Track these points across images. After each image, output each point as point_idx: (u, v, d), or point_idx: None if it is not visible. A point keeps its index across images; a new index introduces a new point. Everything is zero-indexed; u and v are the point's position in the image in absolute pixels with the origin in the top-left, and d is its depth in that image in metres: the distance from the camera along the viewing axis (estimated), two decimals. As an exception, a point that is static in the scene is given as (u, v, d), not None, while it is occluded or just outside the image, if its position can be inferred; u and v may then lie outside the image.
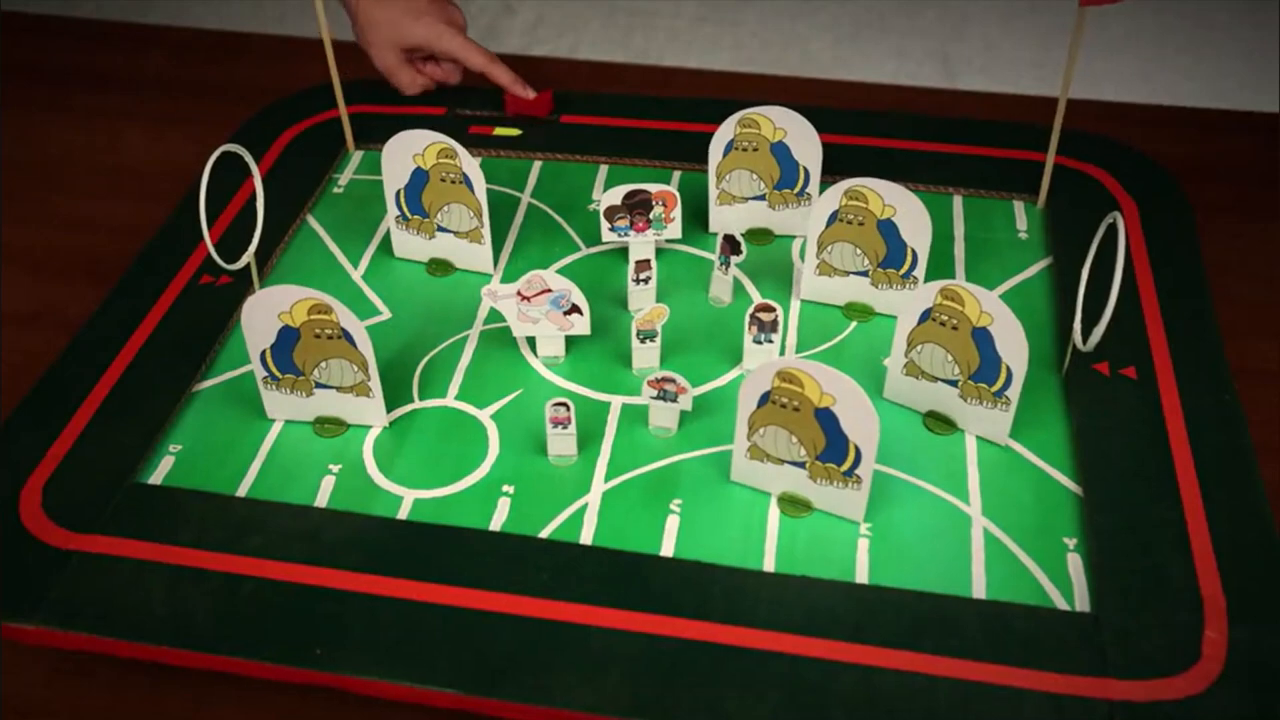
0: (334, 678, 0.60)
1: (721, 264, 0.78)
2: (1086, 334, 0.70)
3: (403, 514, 0.67)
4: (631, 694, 0.58)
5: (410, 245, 0.84)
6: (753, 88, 1.07)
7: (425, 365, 0.76)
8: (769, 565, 0.64)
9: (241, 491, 0.69)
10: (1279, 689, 0.57)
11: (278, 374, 0.70)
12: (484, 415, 0.73)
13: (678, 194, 0.79)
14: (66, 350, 0.76)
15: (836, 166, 0.86)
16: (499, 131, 0.95)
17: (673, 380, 0.68)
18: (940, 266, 0.82)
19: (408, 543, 0.65)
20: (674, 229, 0.81)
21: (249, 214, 0.85)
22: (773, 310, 0.72)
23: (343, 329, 0.68)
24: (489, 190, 0.79)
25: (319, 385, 0.70)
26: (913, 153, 0.91)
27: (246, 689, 0.63)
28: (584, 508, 0.67)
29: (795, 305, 0.80)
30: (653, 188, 0.79)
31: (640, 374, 0.75)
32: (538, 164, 0.93)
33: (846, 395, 0.61)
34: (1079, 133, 0.90)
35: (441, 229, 0.82)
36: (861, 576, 0.63)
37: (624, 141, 0.94)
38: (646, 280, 0.78)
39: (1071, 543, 0.65)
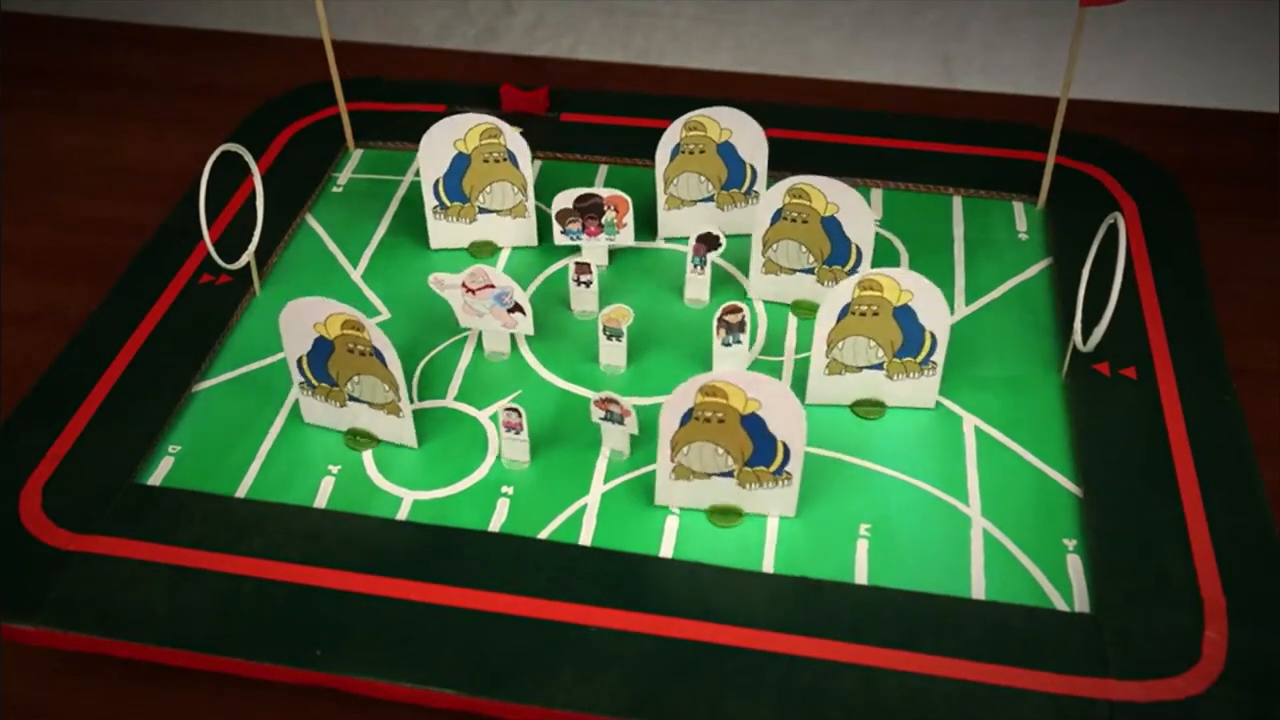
0: (334, 678, 0.60)
1: (696, 265, 0.78)
2: (1087, 334, 0.70)
3: (402, 515, 0.67)
4: (631, 694, 0.58)
5: (449, 233, 0.84)
6: (753, 88, 1.07)
7: (424, 366, 0.76)
8: (769, 565, 0.64)
9: (241, 492, 0.69)
10: (1279, 689, 0.57)
11: (314, 381, 0.70)
12: (483, 416, 0.73)
13: (629, 199, 0.79)
14: (66, 350, 0.76)
15: (835, 167, 0.86)
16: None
17: (616, 402, 0.66)
18: (940, 267, 0.82)
19: (407, 543, 0.65)
20: (626, 234, 0.81)
21: (249, 213, 0.85)
22: (739, 311, 0.71)
23: (374, 348, 0.67)
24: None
25: (352, 398, 0.70)
26: (913, 153, 0.91)
27: (246, 689, 0.63)
28: (583, 509, 0.67)
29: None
30: (604, 192, 0.79)
31: (607, 370, 0.75)
32: (537, 163, 0.93)
33: (771, 396, 0.61)
34: (1079, 133, 0.90)
35: (483, 210, 0.82)
36: (861, 577, 0.63)
37: (624, 141, 0.94)
38: (588, 284, 0.77)
39: (1071, 543, 0.65)
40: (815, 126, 0.87)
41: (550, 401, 0.73)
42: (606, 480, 0.69)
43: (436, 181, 0.82)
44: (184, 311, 0.79)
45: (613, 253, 0.83)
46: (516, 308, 0.73)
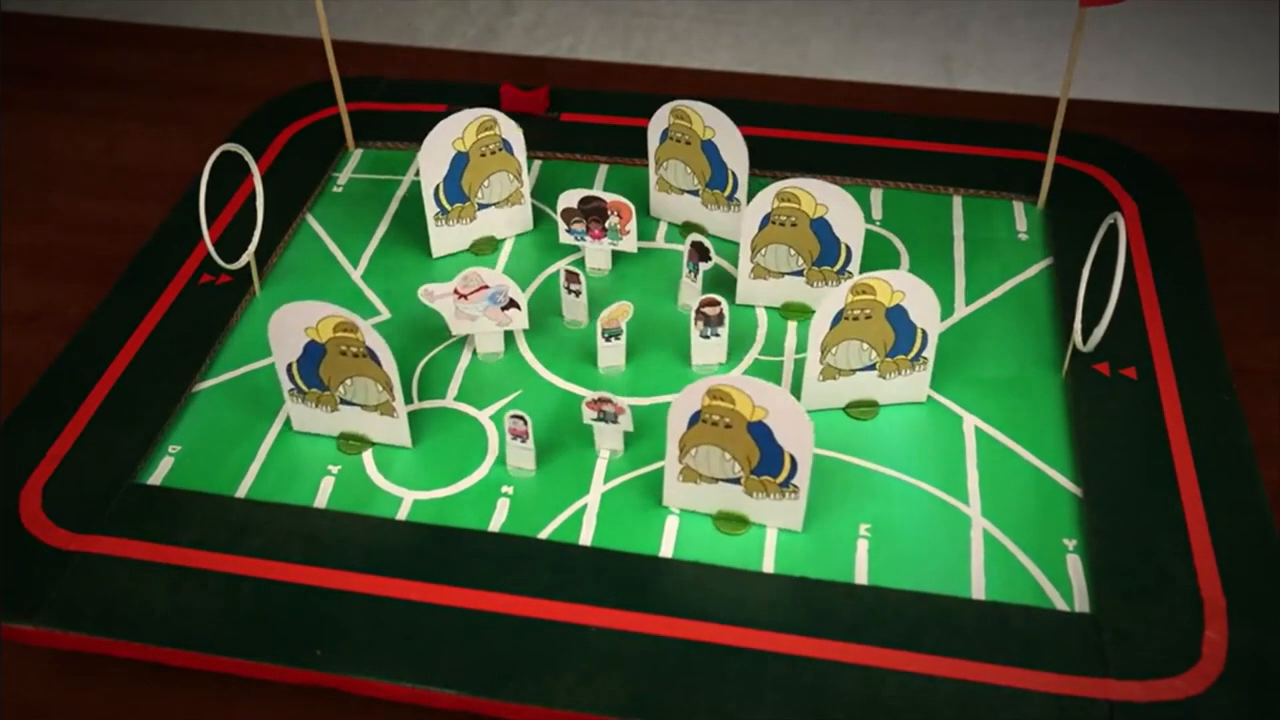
0: (334, 678, 0.60)
1: (690, 271, 0.78)
2: (1087, 334, 0.70)
3: (402, 515, 0.67)
4: (631, 694, 0.58)
5: (450, 238, 0.84)
6: (753, 88, 1.07)
7: (424, 366, 0.76)
8: (769, 566, 0.64)
9: (241, 492, 0.69)
10: (1279, 689, 0.57)
11: (304, 388, 0.70)
12: (483, 416, 0.73)
13: (633, 206, 0.79)
14: (66, 350, 0.76)
15: (834, 167, 0.86)
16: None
17: (609, 400, 0.67)
18: (940, 267, 0.82)
19: (407, 543, 0.65)
20: (629, 242, 0.81)
21: (249, 213, 0.85)
22: (718, 304, 0.72)
23: (368, 348, 0.67)
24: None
25: (344, 401, 0.70)
26: (913, 153, 0.91)
27: (246, 690, 0.63)
28: (583, 509, 0.67)
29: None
30: (607, 196, 0.79)
31: (606, 372, 0.75)
32: (537, 164, 0.93)
33: (779, 406, 0.61)
34: (1079, 133, 0.90)
35: (482, 206, 0.83)
36: (861, 577, 0.63)
37: (624, 141, 0.94)
38: (578, 293, 0.77)
39: (1071, 543, 0.65)
40: (815, 126, 0.87)
41: (550, 401, 0.73)
42: (606, 480, 0.69)
43: (437, 187, 0.82)
44: (184, 311, 0.79)
45: (612, 256, 0.83)
46: (511, 304, 0.73)
